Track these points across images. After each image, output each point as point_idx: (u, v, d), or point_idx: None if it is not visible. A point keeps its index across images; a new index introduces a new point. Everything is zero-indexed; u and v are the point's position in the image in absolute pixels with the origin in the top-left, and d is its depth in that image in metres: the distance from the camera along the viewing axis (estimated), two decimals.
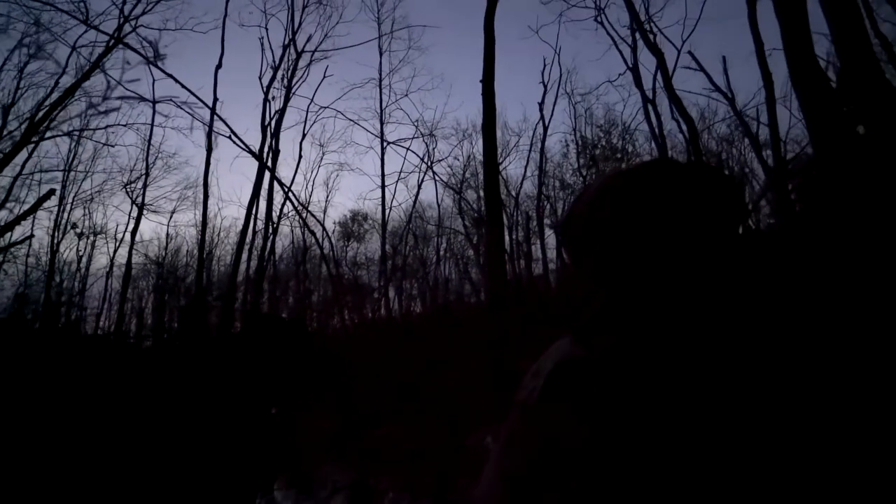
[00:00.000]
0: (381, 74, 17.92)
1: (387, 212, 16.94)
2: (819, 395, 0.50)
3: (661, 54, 10.78)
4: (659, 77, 11.62)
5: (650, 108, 13.41)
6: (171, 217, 18.51)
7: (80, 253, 17.57)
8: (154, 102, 12.29)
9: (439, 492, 4.19)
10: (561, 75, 22.93)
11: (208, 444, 6.12)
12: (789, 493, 0.45)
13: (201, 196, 13.84)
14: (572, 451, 0.49)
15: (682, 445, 0.47)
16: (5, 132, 12.20)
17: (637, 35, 13.11)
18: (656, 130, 13.49)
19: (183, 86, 9.86)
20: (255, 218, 14.56)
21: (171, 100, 9.92)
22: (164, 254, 18.65)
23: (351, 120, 19.55)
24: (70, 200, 16.64)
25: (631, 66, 13.65)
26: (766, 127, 10.52)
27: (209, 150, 13.74)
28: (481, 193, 15.59)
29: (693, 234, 0.58)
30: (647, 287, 0.58)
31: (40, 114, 10.26)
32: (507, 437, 0.56)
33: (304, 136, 16.93)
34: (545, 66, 17.32)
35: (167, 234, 18.92)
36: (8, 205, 12.96)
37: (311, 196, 19.14)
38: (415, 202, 18.10)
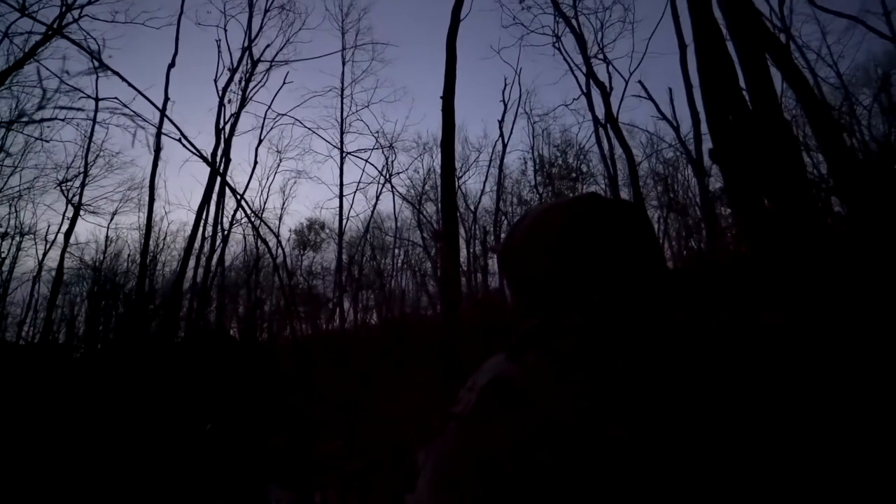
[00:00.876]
0: (343, 84, 17.84)
1: (344, 222, 16.75)
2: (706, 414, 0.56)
3: (606, 90, 11.48)
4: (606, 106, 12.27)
5: (602, 132, 14.11)
6: (111, 219, 17.40)
7: (3, 254, 16.14)
8: (97, 100, 11.61)
9: None
10: (521, 95, 23.63)
11: (140, 460, 5.75)
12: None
13: (146, 198, 13.14)
14: (501, 461, 0.52)
15: (602, 457, 0.52)
16: None
17: (591, 62, 13.82)
18: (607, 153, 14.19)
19: (130, 84, 9.36)
20: (205, 223, 13.97)
21: (115, 99, 9.40)
22: (101, 258, 17.46)
23: (309, 129, 19.37)
24: None
25: (585, 91, 14.35)
26: (693, 161, 11.50)
27: (157, 151, 13.10)
28: (440, 206, 15.73)
29: (613, 264, 0.65)
30: (570, 310, 0.64)
31: None
32: (441, 448, 0.59)
33: (260, 141, 16.47)
34: (506, 85, 17.88)
35: (106, 237, 17.72)
36: None
37: (266, 203, 18.62)
38: (372, 213, 17.99)
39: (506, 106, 17.77)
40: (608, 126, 13.50)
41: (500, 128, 17.81)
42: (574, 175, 18.40)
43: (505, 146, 17.89)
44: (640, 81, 14.72)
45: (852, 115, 11.68)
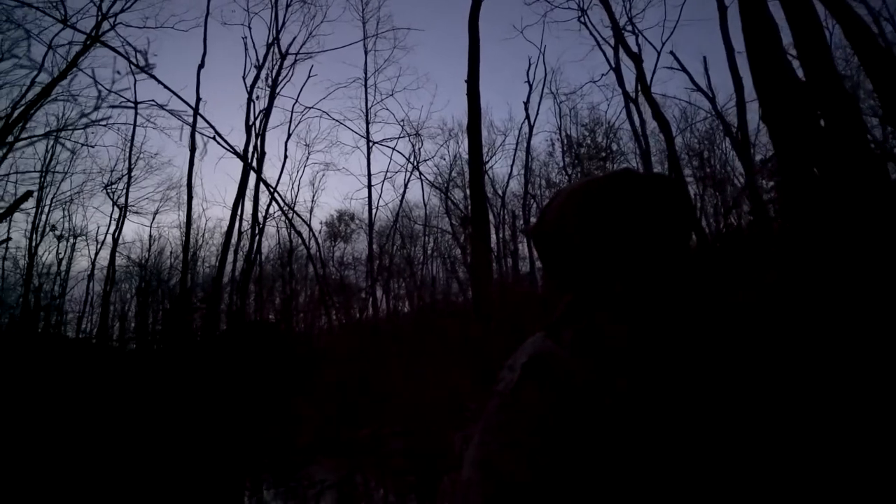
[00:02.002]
0: (366, 74, 17.88)
1: (373, 211, 16.93)
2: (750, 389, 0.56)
3: (639, 60, 10.98)
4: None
5: (633, 107, 13.62)
6: (153, 218, 18.25)
7: (60, 256, 17.22)
8: (136, 104, 12.11)
9: (424, 488, 4.26)
10: (546, 75, 23.02)
11: (194, 447, 6.09)
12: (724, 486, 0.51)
13: (185, 197, 13.70)
14: (544, 436, 0.54)
15: (643, 435, 0.52)
16: None
17: (623, 32, 13.29)
18: (639, 130, 13.71)
19: (165, 86, 9.74)
20: (241, 218, 14.44)
21: (153, 101, 9.76)
22: (146, 256, 18.38)
23: (336, 120, 19.41)
24: (48, 202, 16.30)
25: (613, 66, 13.85)
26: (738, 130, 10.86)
27: (192, 150, 13.59)
28: (468, 192, 15.67)
29: (648, 240, 0.64)
30: (607, 287, 0.64)
31: (15, 114, 10.05)
32: (486, 427, 0.61)
33: (289, 135, 16.81)
34: (530, 65, 17.48)
35: (150, 236, 18.62)
36: None
37: (296, 196, 19.08)
38: (401, 202, 18.11)
39: (531, 86, 17.41)
40: (638, 101, 13.03)
41: (526, 109, 17.48)
42: (604, 154, 17.88)
43: (531, 128, 17.57)
44: (671, 52, 14.08)
45: None
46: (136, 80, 12.21)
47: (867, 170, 3.29)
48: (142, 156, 16.28)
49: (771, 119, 3.54)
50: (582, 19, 14.34)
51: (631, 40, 12.95)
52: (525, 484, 0.53)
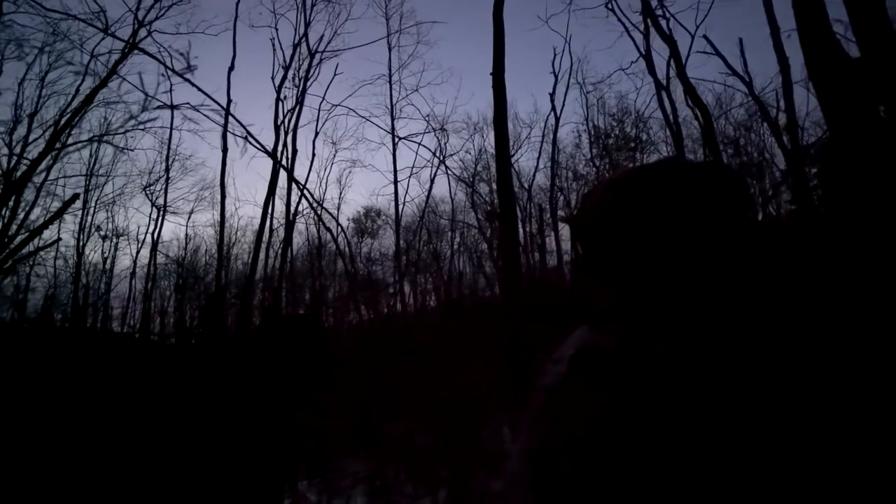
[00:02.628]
0: (390, 70, 17.97)
1: (400, 207, 17.05)
2: (832, 396, 0.50)
3: (674, 42, 10.58)
4: (672, 64, 11.41)
5: (664, 95, 13.18)
6: (189, 217, 18.96)
7: (105, 255, 18.13)
8: (172, 107, 12.55)
9: (456, 482, 4.28)
10: (572, 65, 22.68)
11: (231, 439, 6.31)
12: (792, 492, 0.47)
13: (218, 196, 14.13)
14: (594, 425, 0.53)
15: (693, 431, 0.50)
16: (30, 139, 12.61)
17: (649, 21, 12.87)
18: (671, 118, 13.27)
19: (199, 89, 10.07)
20: (272, 216, 14.81)
21: (188, 104, 10.11)
22: (183, 254, 19.12)
23: (362, 117, 19.76)
24: (93, 204, 17.16)
25: (644, 53, 13.42)
26: (784, 112, 10.30)
27: (224, 150, 14.00)
28: (494, 186, 15.56)
29: (700, 231, 0.60)
30: (655, 281, 0.61)
31: (62, 121, 10.58)
32: (531, 420, 0.60)
33: (316, 133, 17.09)
34: (555, 55, 17.11)
35: (186, 235, 19.37)
36: (35, 210, 13.42)
37: (324, 193, 19.37)
38: (427, 197, 18.16)
39: (556, 77, 17.09)
40: (669, 88, 12.59)
41: (552, 101, 17.18)
42: (633, 144, 17.41)
43: (557, 120, 17.26)
44: (705, 36, 13.53)
45: None
46: (171, 86, 12.66)
47: None
48: (177, 158, 16.92)
49: (824, 98, 3.32)
50: (609, 5, 13.94)
51: (661, 25, 12.51)
52: (571, 478, 0.52)
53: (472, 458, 4.30)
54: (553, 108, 17.20)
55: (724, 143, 16.88)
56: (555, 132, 17.32)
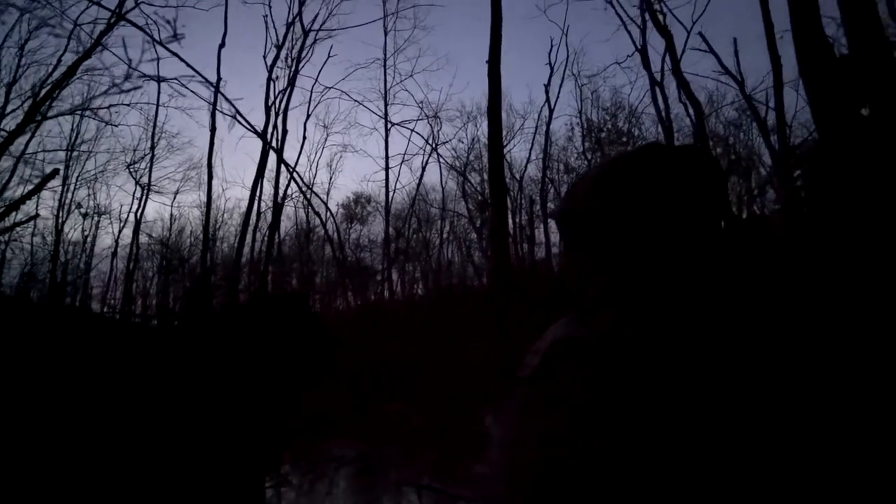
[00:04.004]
0: (385, 54, 17.71)
1: (390, 194, 16.94)
2: (804, 385, 0.51)
3: (671, 36, 10.62)
4: (668, 59, 11.46)
5: (658, 90, 13.24)
6: (174, 198, 18.55)
7: (86, 233, 17.68)
8: (159, 81, 12.16)
9: (444, 467, 4.32)
10: (568, 56, 22.41)
11: (213, 423, 6.26)
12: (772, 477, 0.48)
13: (205, 177, 13.86)
14: (572, 417, 0.52)
15: (672, 418, 0.50)
16: (8, 111, 12.16)
17: (646, 15, 12.87)
18: (663, 114, 13.35)
19: (188, 64, 9.75)
20: (260, 199, 14.59)
21: (176, 79, 9.79)
22: (168, 234, 18.76)
23: (356, 101, 19.35)
24: (74, 180, 16.67)
25: (640, 47, 13.44)
26: (775, 111, 10.45)
27: (213, 130, 13.69)
28: (485, 176, 15.52)
29: (681, 215, 0.62)
30: (641, 268, 0.61)
31: (42, 92, 10.20)
32: (513, 409, 0.61)
33: (308, 116, 16.78)
34: (552, 46, 16.92)
35: (171, 215, 19.00)
36: (12, 185, 12.98)
37: (314, 177, 19.10)
38: (418, 184, 18.06)
39: (552, 69, 17.00)
40: (663, 84, 12.66)
41: (546, 92, 17.12)
42: (625, 139, 17.51)
43: (551, 111, 17.23)
44: (700, 33, 13.55)
45: None
46: (158, 59, 12.22)
47: None
48: (163, 135, 16.47)
49: (815, 97, 3.39)
50: None
51: (659, 19, 12.51)
52: (552, 466, 0.51)
53: (459, 444, 4.35)
54: (547, 100, 17.16)
55: (714, 141, 17.08)
56: (548, 124, 17.32)
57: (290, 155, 28.25)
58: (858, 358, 0.57)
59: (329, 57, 16.46)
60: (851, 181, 3.51)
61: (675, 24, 16.63)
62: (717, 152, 17.13)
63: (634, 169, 0.65)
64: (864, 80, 3.18)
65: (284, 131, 14.53)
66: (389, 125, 16.87)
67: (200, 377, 7.65)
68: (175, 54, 8.66)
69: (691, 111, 10.83)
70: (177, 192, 18.38)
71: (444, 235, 19.33)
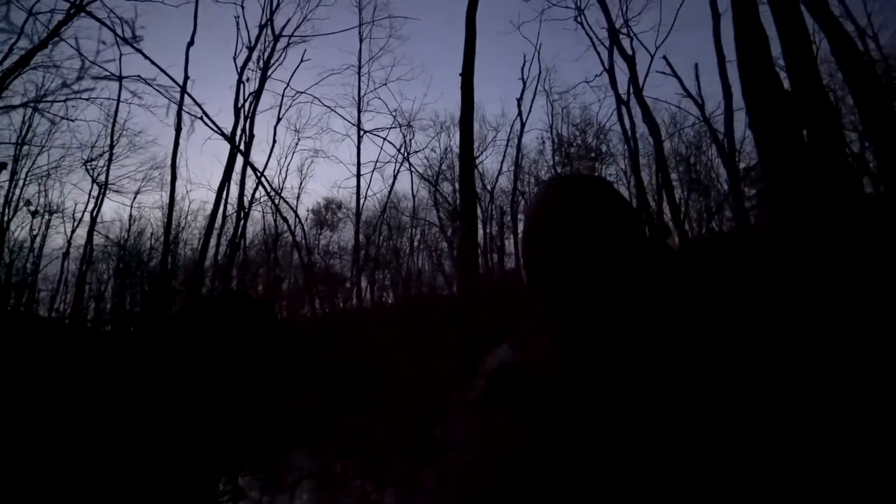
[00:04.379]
0: (360, 62, 17.66)
1: (361, 201, 16.79)
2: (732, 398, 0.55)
3: (632, 60, 11.08)
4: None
5: (623, 110, 13.73)
6: (135, 198, 17.80)
7: (34, 232, 16.70)
8: (121, 78, 11.71)
9: (406, 479, 4.28)
10: (540, 73, 23.07)
11: (167, 431, 6.01)
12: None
13: (169, 177, 13.37)
14: (514, 450, 0.54)
15: (616, 441, 0.52)
16: None
17: (618, 34, 13.37)
18: (629, 132, 13.84)
19: (152, 61, 9.45)
20: (226, 202, 14.19)
21: (138, 76, 9.46)
22: (126, 236, 17.95)
23: (328, 107, 19.23)
24: (23, 176, 15.77)
25: (607, 67, 13.92)
26: (725, 137, 11.10)
27: (178, 129, 13.24)
28: (457, 186, 15.65)
29: (602, 241, 0.67)
30: (575, 290, 0.65)
31: None
32: (459, 432, 0.62)
33: (278, 120, 16.53)
34: (525, 62, 17.42)
35: (130, 216, 18.22)
36: None
37: (284, 182, 18.75)
38: (390, 192, 18.00)
39: (525, 84, 17.39)
40: (629, 104, 13.15)
41: (519, 106, 17.47)
42: (593, 155, 18.06)
43: (523, 125, 17.58)
44: (664, 57, 14.21)
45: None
46: (121, 54, 11.77)
47: (843, 181, 3.40)
48: (125, 133, 15.81)
49: (757, 127, 3.64)
50: (579, 19, 14.39)
51: (625, 43, 13.05)
52: (499, 494, 0.53)
53: (423, 456, 4.32)
54: (520, 114, 17.52)
55: (677, 160, 17.86)
56: (520, 137, 17.65)
57: (259, 159, 27.66)
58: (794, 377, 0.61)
59: (302, 61, 16.35)
60: (792, 199, 3.78)
61: (640, 48, 17.30)
62: (679, 171, 17.92)
63: (544, 202, 0.70)
64: (804, 110, 3.44)
65: (251, 135, 14.23)
66: (362, 132, 16.80)
67: (154, 383, 7.31)
68: (138, 50, 8.38)
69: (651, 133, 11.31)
70: (137, 192, 17.67)
71: (415, 244, 19.32)
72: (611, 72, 13.88)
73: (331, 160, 33.53)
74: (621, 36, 12.57)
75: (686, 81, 15.08)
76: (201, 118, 11.88)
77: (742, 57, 3.85)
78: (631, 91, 12.22)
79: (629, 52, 11.82)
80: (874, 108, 4.20)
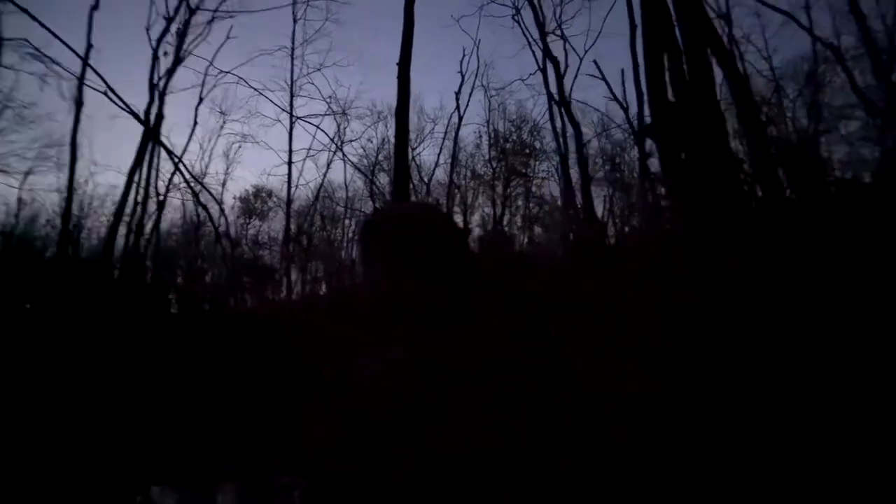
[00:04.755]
0: (293, 43, 16.80)
1: (293, 189, 16.10)
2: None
3: (557, 64, 11.59)
4: (564, 81, 12.44)
5: (555, 109, 14.31)
6: (25, 178, 15.69)
7: None
8: (1, 41, 10.20)
9: (335, 481, 4.23)
10: (478, 67, 23.35)
11: (67, 433, 5.45)
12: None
13: (67, 157, 11.95)
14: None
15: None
16: None
17: (548, 38, 13.87)
18: (559, 131, 14.46)
19: (42, 24, 8.30)
20: (138, 187, 12.96)
21: (24, 40, 8.26)
22: (14, 222, 15.81)
23: (255, 89, 17.96)
24: None
25: (541, 67, 14.42)
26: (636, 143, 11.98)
27: (79, 104, 11.85)
28: (393, 177, 15.47)
29: (416, 255, 0.82)
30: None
31: None
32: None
33: (200, 100, 15.32)
34: (464, 56, 17.51)
35: (19, 199, 16.04)
36: None
37: (207, 167, 17.44)
38: (322, 181, 17.43)
39: (463, 77, 17.52)
40: (558, 104, 13.74)
41: (457, 99, 17.58)
42: (528, 151, 18.65)
43: (461, 119, 17.74)
44: (594, 61, 14.95)
45: (780, 108, 12.57)
46: (1, 13, 10.23)
47: (725, 180, 3.85)
48: (11, 105, 13.84)
49: (654, 132, 4.00)
50: (516, 17, 14.73)
51: (559, 45, 13.61)
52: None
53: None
54: (457, 107, 17.63)
55: (604, 159, 18.95)
56: (457, 130, 17.80)
57: (179, 141, 25.50)
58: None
59: (227, 38, 15.23)
60: (689, 202, 4.22)
61: (571, 51, 18.09)
62: (605, 170, 19.04)
63: (397, 220, 0.87)
64: (691, 121, 3.83)
65: (160, 115, 13.05)
66: (294, 118, 16.06)
67: (43, 380, 6.56)
68: (23, 9, 7.32)
69: (584, 130, 11.92)
70: (28, 173, 15.59)
71: (350, 235, 18.90)
72: (544, 71, 14.38)
73: (261, 146, 31.67)
74: (555, 38, 13.05)
75: (614, 86, 15.99)
76: (105, 93, 10.72)
77: (651, 65, 4.17)
78: (557, 91, 12.78)
79: (561, 53, 12.33)
80: (755, 139, 4.74)
